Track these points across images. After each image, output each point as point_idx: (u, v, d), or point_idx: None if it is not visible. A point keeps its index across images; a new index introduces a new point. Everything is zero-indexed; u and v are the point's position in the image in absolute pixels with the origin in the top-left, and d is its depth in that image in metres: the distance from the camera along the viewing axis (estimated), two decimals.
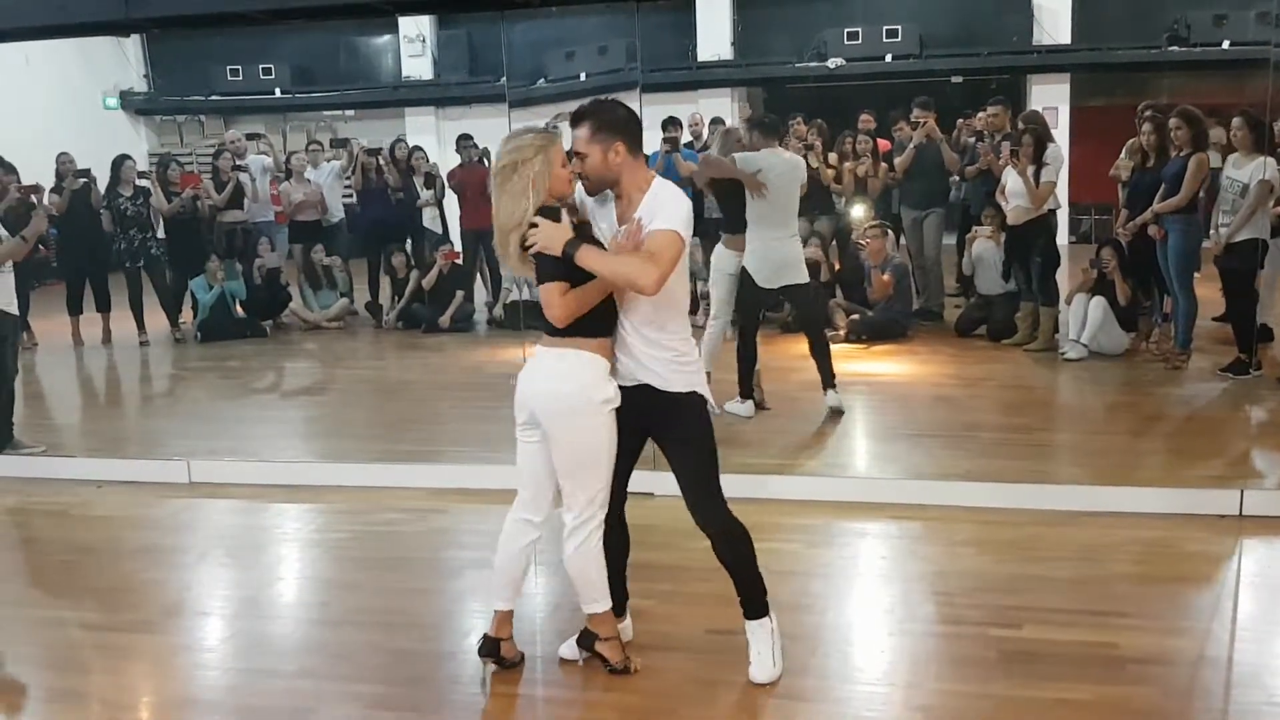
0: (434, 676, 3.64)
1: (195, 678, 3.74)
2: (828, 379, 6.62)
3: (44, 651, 3.99)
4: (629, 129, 3.28)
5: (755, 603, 3.49)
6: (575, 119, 3.29)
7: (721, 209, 6.97)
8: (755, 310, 6.69)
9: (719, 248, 6.81)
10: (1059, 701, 3.30)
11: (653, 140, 9.00)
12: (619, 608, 3.62)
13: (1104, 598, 4.01)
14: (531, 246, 3.20)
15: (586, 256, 3.14)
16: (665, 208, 3.22)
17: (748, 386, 6.58)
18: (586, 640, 3.55)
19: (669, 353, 3.35)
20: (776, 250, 6.42)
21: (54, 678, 3.79)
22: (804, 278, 6.62)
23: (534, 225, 3.19)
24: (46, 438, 6.67)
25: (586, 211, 3.44)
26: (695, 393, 3.38)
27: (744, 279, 6.48)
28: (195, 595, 4.47)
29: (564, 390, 3.30)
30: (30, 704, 3.65)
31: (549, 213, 3.24)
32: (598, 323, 3.30)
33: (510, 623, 3.59)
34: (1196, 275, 7.48)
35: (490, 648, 3.56)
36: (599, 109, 3.31)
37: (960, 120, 10.23)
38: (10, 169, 8.79)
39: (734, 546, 3.47)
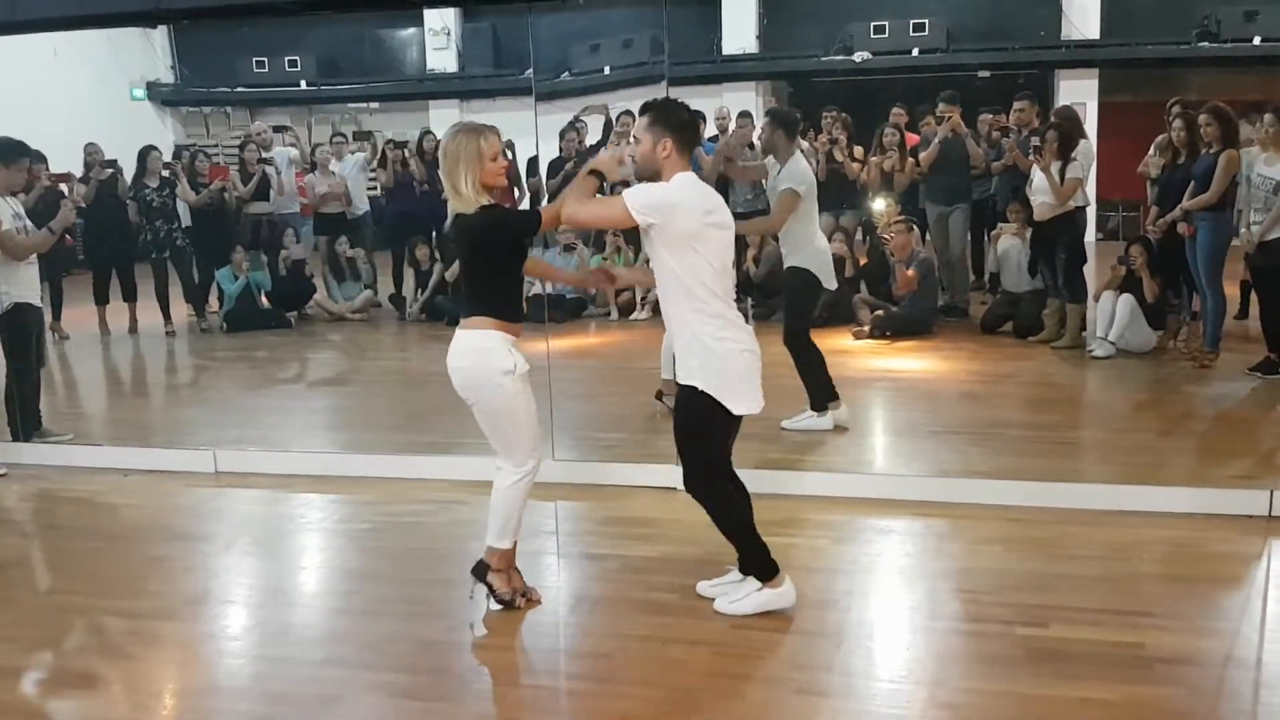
0: (458, 667, 3.65)
1: (220, 665, 3.76)
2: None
3: (69, 638, 4.02)
4: (683, 131, 3.62)
5: (755, 568, 3.83)
6: (643, 108, 3.68)
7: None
8: (813, 313, 6.48)
9: None
10: (1085, 701, 3.27)
11: None
12: (768, 569, 3.85)
13: (1131, 597, 3.98)
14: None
15: (583, 189, 3.74)
16: (642, 186, 3.63)
17: (827, 393, 6.08)
18: (480, 570, 3.91)
19: (682, 337, 3.66)
20: (829, 252, 6.29)
21: (80, 664, 3.81)
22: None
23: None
24: (73, 426, 6.73)
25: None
26: (689, 386, 3.64)
27: (810, 283, 6.11)
28: (221, 584, 4.49)
29: (465, 365, 3.78)
30: (56, 690, 3.68)
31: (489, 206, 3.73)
32: (498, 303, 3.75)
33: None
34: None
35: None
36: (663, 105, 3.67)
37: (980, 117, 10.10)
38: (40, 158, 8.86)
39: (716, 515, 3.79)
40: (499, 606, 3.90)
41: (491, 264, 3.76)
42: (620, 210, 3.59)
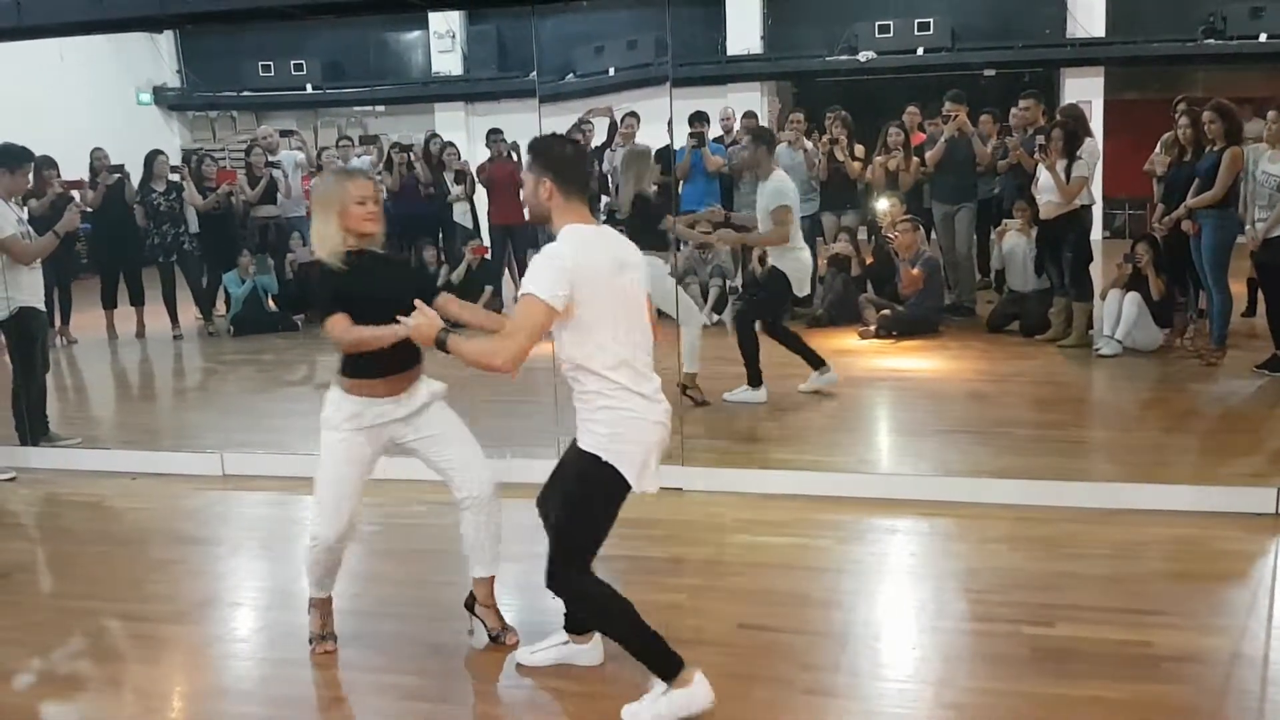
0: (464, 668, 3.66)
1: (228, 668, 3.77)
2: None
3: (78, 641, 4.04)
4: (562, 170, 3.21)
5: (655, 668, 3.26)
6: (528, 147, 3.34)
7: (643, 231, 6.80)
8: (780, 310, 7.00)
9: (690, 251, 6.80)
10: (1092, 699, 3.27)
11: (681, 135, 8.98)
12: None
13: (1138, 595, 3.98)
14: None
15: (455, 345, 3.18)
16: (532, 267, 3.15)
17: (757, 374, 6.73)
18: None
19: (581, 405, 3.27)
20: (808, 263, 6.88)
21: (88, 667, 3.83)
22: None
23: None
24: (81, 430, 6.74)
25: None
26: (590, 455, 3.22)
27: (784, 285, 6.70)
28: (228, 586, 4.51)
29: None
30: (64, 693, 3.69)
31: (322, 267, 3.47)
32: (345, 360, 3.57)
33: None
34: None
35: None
36: (541, 144, 3.31)
37: (981, 118, 10.02)
38: (52, 164, 8.89)
39: (594, 615, 3.36)
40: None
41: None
42: (542, 310, 3.08)
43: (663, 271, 6.54)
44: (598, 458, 3.20)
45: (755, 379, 6.74)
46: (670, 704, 3.20)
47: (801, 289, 6.85)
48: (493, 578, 3.81)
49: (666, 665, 3.23)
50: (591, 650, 3.58)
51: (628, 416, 3.20)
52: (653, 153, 7.28)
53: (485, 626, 3.83)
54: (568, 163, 3.24)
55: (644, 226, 6.57)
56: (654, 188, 7.02)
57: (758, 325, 6.83)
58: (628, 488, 3.23)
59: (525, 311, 3.10)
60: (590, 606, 3.31)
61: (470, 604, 3.87)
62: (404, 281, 3.64)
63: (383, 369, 3.53)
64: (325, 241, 3.49)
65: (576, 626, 3.59)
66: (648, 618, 3.75)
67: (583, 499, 3.27)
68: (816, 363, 6.87)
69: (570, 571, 3.27)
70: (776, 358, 6.88)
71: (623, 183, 6.85)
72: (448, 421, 3.72)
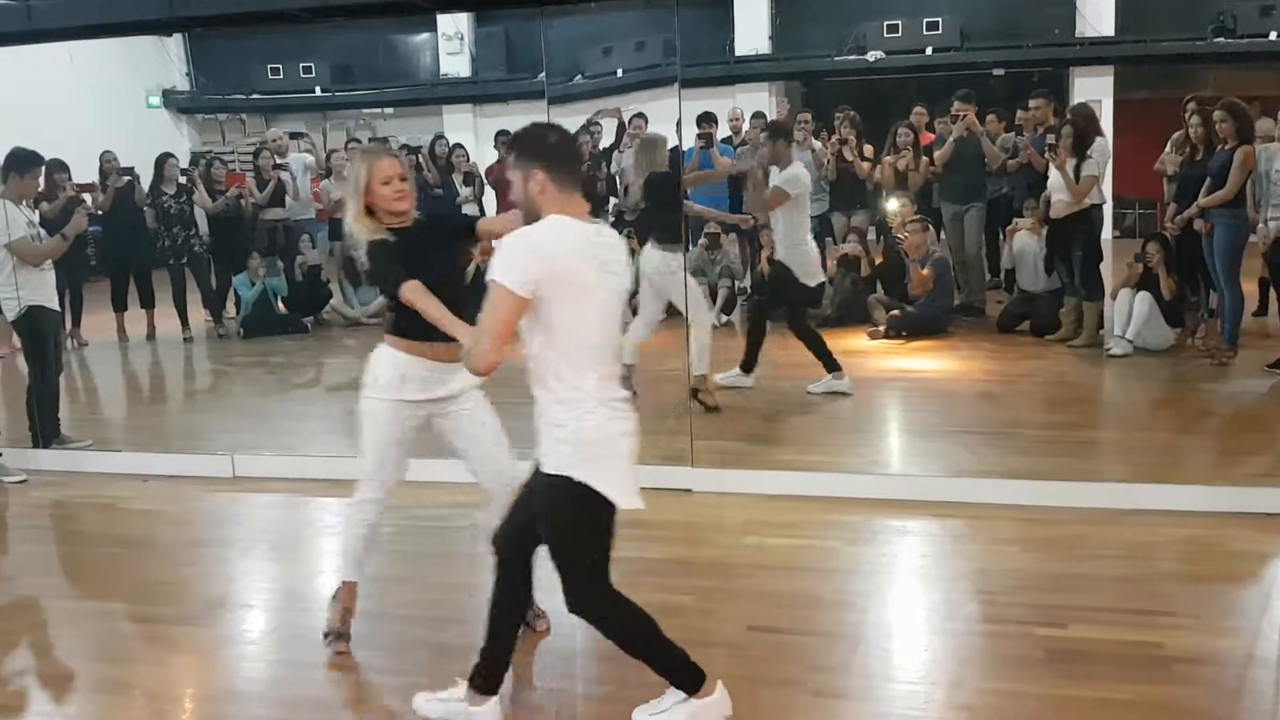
0: None
1: (239, 670, 3.78)
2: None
3: (89, 643, 4.05)
4: (553, 160, 2.93)
5: (678, 681, 3.15)
6: (508, 143, 3.10)
7: (657, 217, 6.76)
8: (803, 307, 7.04)
9: (650, 250, 6.61)
10: (1104, 701, 3.26)
11: (690, 136, 8.97)
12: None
13: (1150, 597, 3.96)
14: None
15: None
16: (502, 251, 2.90)
17: (831, 360, 6.84)
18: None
19: (545, 419, 3.00)
20: (812, 255, 6.90)
21: (99, 669, 3.84)
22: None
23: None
24: (92, 432, 6.75)
25: None
26: (561, 477, 2.95)
27: (786, 276, 6.76)
28: (239, 588, 4.52)
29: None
30: (76, 695, 3.70)
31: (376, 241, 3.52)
32: (397, 319, 3.61)
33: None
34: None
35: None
36: (521, 134, 3.02)
37: (988, 116, 9.92)
38: (63, 168, 8.92)
39: (615, 637, 3.13)
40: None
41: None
42: (511, 302, 2.84)
43: (674, 265, 6.53)
44: (569, 479, 2.94)
45: (748, 364, 6.98)
46: (689, 713, 3.13)
47: (807, 279, 6.80)
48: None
49: (690, 679, 3.13)
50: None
51: (595, 429, 2.96)
52: (666, 141, 7.30)
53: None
54: (557, 151, 2.97)
55: (658, 211, 6.63)
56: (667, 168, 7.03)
57: (766, 321, 6.99)
58: (611, 505, 2.99)
59: (492, 305, 2.86)
60: (611, 628, 3.12)
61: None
62: (447, 239, 3.72)
63: (430, 333, 3.51)
64: (362, 228, 3.53)
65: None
66: (656, 619, 3.75)
67: (570, 532, 3.03)
68: (832, 366, 6.86)
69: (587, 598, 3.08)
70: (783, 358, 6.88)
71: (636, 170, 6.85)
72: (483, 416, 3.76)
